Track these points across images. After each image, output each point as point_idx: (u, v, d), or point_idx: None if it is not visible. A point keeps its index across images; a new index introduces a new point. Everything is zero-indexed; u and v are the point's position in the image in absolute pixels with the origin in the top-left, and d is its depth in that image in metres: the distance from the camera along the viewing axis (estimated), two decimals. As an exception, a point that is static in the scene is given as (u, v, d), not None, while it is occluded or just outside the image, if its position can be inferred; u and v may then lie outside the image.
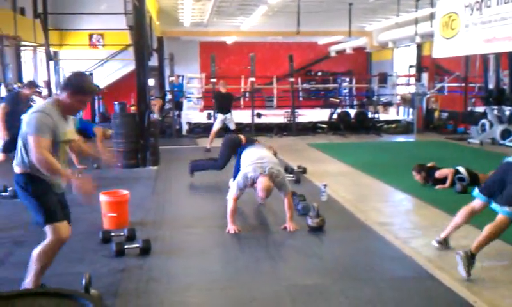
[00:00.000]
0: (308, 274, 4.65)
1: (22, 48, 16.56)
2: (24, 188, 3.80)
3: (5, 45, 15.04)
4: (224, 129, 12.65)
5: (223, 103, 12.48)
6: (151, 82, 11.68)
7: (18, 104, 8.75)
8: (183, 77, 18.98)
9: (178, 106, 16.67)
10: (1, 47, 15.06)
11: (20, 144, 3.80)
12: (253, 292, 4.24)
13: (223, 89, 12.67)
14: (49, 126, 3.67)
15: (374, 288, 4.28)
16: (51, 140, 3.69)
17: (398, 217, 6.83)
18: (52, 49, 16.18)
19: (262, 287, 4.36)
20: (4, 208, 6.98)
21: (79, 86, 3.81)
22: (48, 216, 3.75)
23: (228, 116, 12.32)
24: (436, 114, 17.34)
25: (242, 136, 7.96)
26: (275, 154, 7.58)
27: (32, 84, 9.46)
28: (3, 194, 7.41)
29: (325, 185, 7.28)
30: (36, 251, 3.81)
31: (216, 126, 12.48)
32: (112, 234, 5.48)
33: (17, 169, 3.84)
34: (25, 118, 3.74)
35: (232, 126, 12.33)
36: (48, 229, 3.76)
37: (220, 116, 12.42)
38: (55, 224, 3.75)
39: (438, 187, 8.04)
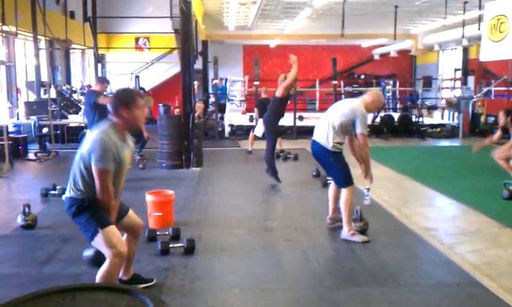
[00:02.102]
0: (352, 278, 4.64)
1: (71, 50, 17.07)
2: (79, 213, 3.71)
3: (55, 48, 15.54)
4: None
5: (264, 108, 12.50)
6: (195, 84, 11.80)
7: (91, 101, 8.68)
8: (226, 79, 19.14)
9: (221, 108, 16.81)
10: (52, 50, 15.57)
11: (79, 166, 3.68)
12: (296, 294, 4.26)
13: (264, 94, 12.73)
14: (113, 153, 3.61)
15: (419, 294, 4.24)
16: (114, 168, 3.64)
17: (443, 222, 6.72)
18: (99, 52, 16.57)
19: (306, 290, 4.38)
20: (53, 206, 7.20)
21: (128, 94, 3.81)
22: None
23: None
24: (482, 118, 16.94)
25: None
26: None
27: (104, 80, 9.55)
28: (52, 192, 7.64)
29: (368, 189, 7.19)
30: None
31: (257, 132, 12.50)
32: (158, 233, 5.59)
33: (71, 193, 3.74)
34: (90, 140, 3.65)
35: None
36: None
37: (261, 121, 12.43)
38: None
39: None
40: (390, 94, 21.64)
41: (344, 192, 5.64)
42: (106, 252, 3.66)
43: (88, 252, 4.48)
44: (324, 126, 5.71)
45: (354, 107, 5.58)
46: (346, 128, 5.62)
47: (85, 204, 3.66)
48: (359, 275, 4.69)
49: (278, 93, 8.48)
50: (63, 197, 3.83)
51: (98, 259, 3.96)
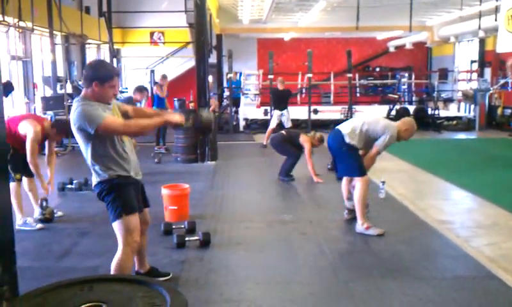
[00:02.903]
0: (367, 271, 4.64)
1: (86, 45, 17.17)
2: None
3: (71, 43, 15.65)
4: (280, 126, 12.69)
5: (279, 99, 12.49)
6: (210, 78, 11.83)
7: None
8: (240, 73, 19.13)
9: (236, 102, 16.83)
10: (67, 45, 15.68)
11: (84, 150, 3.70)
12: (311, 288, 4.27)
13: (280, 86, 12.71)
14: (97, 110, 3.54)
15: (435, 287, 4.23)
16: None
17: (459, 215, 6.68)
18: (115, 47, 16.65)
19: (321, 283, 4.39)
20: (69, 200, 7.29)
21: (106, 71, 3.69)
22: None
23: (284, 112, 12.31)
24: (499, 110, 16.76)
25: (283, 132, 8.86)
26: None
27: (143, 89, 9.80)
28: (69, 186, 7.73)
29: (383, 182, 7.21)
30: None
31: (273, 124, 12.52)
32: (174, 226, 5.64)
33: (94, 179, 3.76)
34: (72, 119, 3.59)
35: (288, 124, 12.32)
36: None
37: (277, 112, 12.45)
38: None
39: None
40: (405, 86, 21.50)
41: (358, 184, 5.62)
42: (121, 238, 3.72)
43: None
44: (353, 125, 5.72)
45: (388, 126, 5.61)
46: (369, 140, 5.62)
47: (113, 184, 3.68)
48: (374, 268, 4.69)
49: (306, 148, 8.43)
50: (92, 186, 3.84)
51: None
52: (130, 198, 3.74)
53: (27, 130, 5.71)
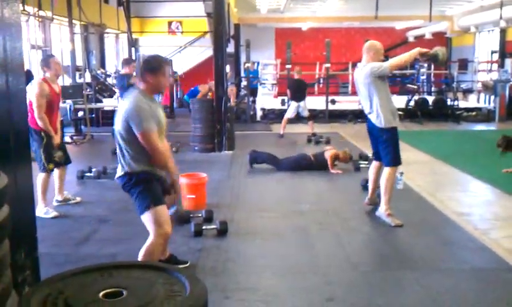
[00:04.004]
0: (385, 261, 4.63)
1: (105, 35, 17.27)
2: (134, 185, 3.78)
3: (90, 33, 15.76)
4: (298, 116, 12.67)
5: (296, 90, 12.40)
6: (227, 68, 11.80)
7: (123, 85, 8.83)
8: (258, 63, 19.10)
9: (253, 92, 16.81)
10: (86, 34, 15.79)
11: (118, 142, 3.76)
12: (328, 278, 4.27)
13: (297, 76, 12.66)
14: (150, 113, 3.67)
15: (453, 279, 4.21)
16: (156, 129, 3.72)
17: (478, 207, 6.62)
18: (133, 36, 16.72)
19: (338, 273, 4.39)
20: (89, 187, 7.37)
21: (156, 62, 3.84)
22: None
23: (301, 103, 12.24)
24: (520, 102, 16.53)
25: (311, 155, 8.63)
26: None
27: (130, 61, 9.59)
28: (88, 174, 7.81)
29: (401, 173, 7.14)
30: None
31: (289, 114, 12.48)
32: (191, 215, 5.68)
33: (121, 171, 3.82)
34: (122, 111, 3.70)
35: (305, 114, 12.29)
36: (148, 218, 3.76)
37: (294, 104, 12.37)
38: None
39: None
40: (424, 77, 21.29)
41: (387, 170, 5.58)
42: (153, 230, 3.75)
43: None
44: (367, 104, 5.65)
45: (366, 68, 5.54)
46: (376, 85, 5.52)
47: (140, 178, 3.73)
48: (391, 259, 4.69)
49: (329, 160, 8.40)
50: (115, 178, 3.89)
51: None
52: (157, 190, 3.80)
53: (34, 90, 5.74)
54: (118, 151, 3.81)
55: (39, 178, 5.85)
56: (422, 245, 5.06)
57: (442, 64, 5.14)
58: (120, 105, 3.84)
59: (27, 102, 5.85)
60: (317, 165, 8.43)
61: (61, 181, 6.35)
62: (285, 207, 6.38)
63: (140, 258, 3.78)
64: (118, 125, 3.72)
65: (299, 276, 4.33)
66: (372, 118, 5.61)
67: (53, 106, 5.95)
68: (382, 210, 5.62)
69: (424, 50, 5.60)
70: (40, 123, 5.76)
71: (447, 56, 4.73)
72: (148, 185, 3.75)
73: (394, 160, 5.59)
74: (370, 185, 6.07)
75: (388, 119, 5.50)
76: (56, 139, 5.97)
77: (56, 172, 6.24)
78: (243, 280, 4.24)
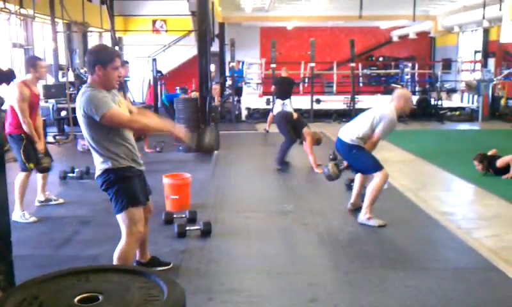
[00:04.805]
0: (368, 261, 4.62)
1: (88, 33, 17.10)
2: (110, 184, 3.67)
3: (73, 31, 15.59)
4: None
5: (283, 88, 12.36)
6: (212, 67, 11.73)
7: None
8: (243, 62, 19.04)
9: (238, 92, 16.76)
10: (69, 33, 15.62)
11: (88, 138, 3.65)
12: (312, 278, 4.26)
13: (284, 74, 12.64)
14: (104, 97, 3.52)
15: (436, 278, 4.21)
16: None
17: (461, 206, 6.66)
18: (117, 35, 16.59)
19: (321, 273, 4.38)
20: (71, 188, 7.29)
21: (104, 55, 3.64)
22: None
23: (286, 101, 12.21)
24: (503, 101, 16.66)
25: (295, 113, 9.05)
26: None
27: (125, 63, 9.47)
28: (70, 175, 7.72)
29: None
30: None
31: (275, 111, 12.46)
32: (175, 216, 5.63)
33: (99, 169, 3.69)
34: (78, 103, 3.56)
35: None
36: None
37: (279, 101, 12.34)
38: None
39: (504, 176, 7.78)
40: (408, 76, 21.40)
41: (377, 177, 5.57)
42: (125, 229, 3.69)
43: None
44: (353, 126, 5.71)
45: (384, 111, 5.57)
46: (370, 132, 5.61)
47: (118, 177, 3.63)
48: (375, 258, 4.68)
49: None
50: (95, 178, 3.79)
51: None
52: (135, 190, 3.71)
53: (14, 94, 5.64)
54: (91, 151, 3.71)
55: (18, 178, 5.76)
56: (406, 244, 5.07)
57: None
58: (76, 105, 3.67)
59: (8, 106, 5.80)
60: (293, 123, 8.76)
61: (44, 181, 6.27)
62: (269, 207, 6.36)
63: (115, 261, 3.72)
64: (81, 123, 3.62)
65: (283, 277, 4.31)
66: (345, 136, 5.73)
67: (33, 109, 5.85)
68: (362, 215, 5.61)
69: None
70: (25, 127, 5.66)
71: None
72: (126, 184, 3.65)
73: (376, 165, 5.61)
74: (355, 190, 6.07)
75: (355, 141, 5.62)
76: (40, 145, 5.87)
77: (39, 173, 6.16)
78: (227, 281, 4.21)
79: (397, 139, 11.36)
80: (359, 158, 5.70)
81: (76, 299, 1.93)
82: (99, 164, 3.67)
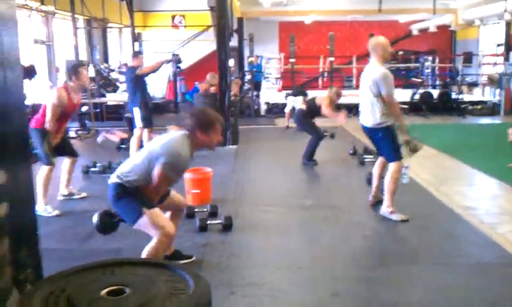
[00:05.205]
0: (389, 256, 4.60)
1: (108, 29, 17.23)
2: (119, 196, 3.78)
3: (93, 27, 15.72)
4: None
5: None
6: (231, 62, 11.71)
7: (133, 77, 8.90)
8: (262, 57, 19.03)
9: (257, 86, 16.75)
10: (89, 29, 15.75)
11: (143, 157, 3.77)
12: (332, 273, 4.25)
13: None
14: (182, 168, 3.78)
15: (458, 274, 4.18)
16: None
17: (484, 201, 6.58)
18: (136, 30, 16.67)
19: (342, 268, 4.37)
20: (93, 182, 7.36)
21: (211, 122, 3.81)
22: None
23: (297, 99, 12.10)
24: (525, 95, 16.42)
25: (302, 107, 8.95)
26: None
27: (138, 53, 9.60)
28: (93, 169, 7.80)
29: (406, 167, 7.06)
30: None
31: (287, 108, 12.52)
32: (196, 210, 5.65)
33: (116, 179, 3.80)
34: (169, 144, 3.70)
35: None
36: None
37: (291, 98, 12.36)
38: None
39: None
40: (429, 70, 21.19)
41: (391, 167, 5.53)
42: (154, 232, 3.70)
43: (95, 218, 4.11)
44: (365, 105, 5.60)
45: (376, 75, 5.42)
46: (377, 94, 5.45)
47: (128, 191, 3.70)
48: (396, 254, 4.65)
49: (319, 102, 8.44)
50: (108, 181, 3.87)
51: (102, 225, 3.91)
52: (145, 198, 3.74)
53: (51, 96, 5.72)
54: (132, 161, 3.81)
55: (41, 172, 5.83)
56: (427, 239, 5.03)
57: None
58: (172, 137, 3.76)
59: (42, 104, 5.88)
60: (308, 113, 8.63)
61: (69, 175, 6.36)
62: (289, 202, 6.35)
63: (144, 256, 3.74)
64: (158, 147, 3.72)
65: (303, 271, 4.31)
66: (364, 117, 5.58)
67: (67, 116, 5.96)
68: (385, 209, 5.57)
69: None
70: (47, 126, 5.74)
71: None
72: (134, 195, 3.71)
73: (394, 156, 5.55)
74: (375, 181, 6.03)
75: (379, 118, 5.45)
76: (55, 138, 5.94)
77: (66, 166, 6.25)
78: (248, 275, 4.22)
79: (419, 133, 11.26)
80: (382, 143, 5.60)
81: (103, 292, 1.95)
82: (123, 175, 3.75)
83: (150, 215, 3.66)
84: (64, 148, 6.19)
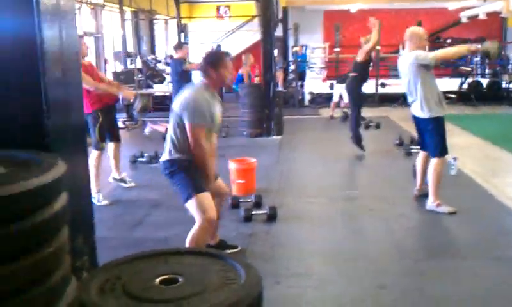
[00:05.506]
0: (436, 249, 4.55)
1: (155, 21, 17.48)
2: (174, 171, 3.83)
3: (140, 19, 15.97)
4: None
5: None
6: (275, 52, 11.71)
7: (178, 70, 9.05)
8: (306, 46, 18.92)
9: (301, 76, 16.69)
10: (136, 21, 16.02)
11: (173, 126, 3.83)
12: (378, 265, 4.23)
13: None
14: (206, 109, 3.76)
15: (508, 268, 4.10)
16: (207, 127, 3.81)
17: (535, 194, 6.40)
18: (182, 21, 16.84)
19: (388, 260, 4.34)
20: (141, 172, 7.52)
21: (219, 57, 3.95)
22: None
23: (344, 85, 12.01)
24: None
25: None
26: None
27: (182, 44, 9.74)
28: (140, 159, 7.98)
29: (455, 159, 6.99)
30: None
31: (335, 97, 12.41)
32: (241, 200, 5.72)
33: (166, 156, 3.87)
34: (182, 99, 3.81)
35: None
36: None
37: (338, 86, 12.24)
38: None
39: None
40: (478, 59, 20.62)
41: (435, 160, 5.45)
42: (197, 216, 3.78)
43: None
44: (410, 93, 5.52)
45: (410, 57, 5.36)
46: (421, 74, 5.36)
47: (182, 166, 3.78)
48: (444, 247, 4.59)
49: (360, 57, 8.26)
50: (160, 160, 3.98)
51: None
52: (198, 178, 3.81)
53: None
54: (169, 132, 3.87)
55: (92, 156, 5.99)
56: (476, 233, 4.93)
57: (494, 59, 5.02)
58: (183, 93, 3.89)
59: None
60: (360, 73, 8.46)
61: (116, 160, 6.54)
62: (333, 192, 6.34)
63: (187, 243, 3.81)
64: (177, 108, 3.81)
65: (349, 262, 4.31)
66: (416, 107, 5.48)
67: (93, 76, 6.10)
68: (430, 202, 5.48)
69: (474, 47, 5.43)
70: (99, 90, 5.91)
71: (499, 51, 4.69)
72: (190, 173, 3.78)
73: (441, 151, 5.45)
74: (419, 175, 5.94)
75: (432, 109, 5.34)
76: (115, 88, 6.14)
77: (110, 151, 6.41)
78: (293, 265, 4.25)
79: (467, 123, 11.04)
80: (431, 135, 5.47)
81: (157, 280, 2.02)
82: (170, 149, 3.83)
83: (197, 199, 3.73)
84: (112, 131, 6.32)
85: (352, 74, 8.66)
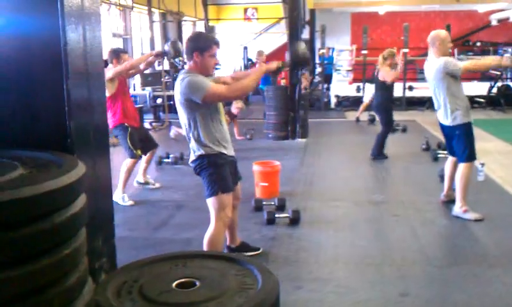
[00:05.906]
0: (462, 257, 4.46)
1: (183, 22, 17.59)
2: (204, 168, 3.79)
3: (168, 20, 16.10)
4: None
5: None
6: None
7: None
8: (333, 49, 18.82)
9: (328, 79, 16.61)
10: (165, 22, 16.14)
11: (188, 122, 3.75)
12: (403, 271, 4.17)
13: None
14: (203, 79, 3.64)
15: (536, 277, 3.99)
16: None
17: None
18: (210, 23, 16.91)
19: (412, 267, 4.27)
20: (166, 173, 7.57)
21: (202, 42, 3.76)
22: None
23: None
24: None
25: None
26: None
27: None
28: (166, 160, 8.03)
29: (482, 164, 6.83)
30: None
31: (366, 99, 12.30)
32: (264, 203, 5.70)
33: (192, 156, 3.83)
34: (178, 90, 3.70)
35: None
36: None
37: (369, 86, 12.17)
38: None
39: None
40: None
41: (463, 165, 5.36)
42: (214, 213, 3.80)
43: None
44: (439, 102, 5.43)
45: (439, 63, 5.27)
46: (448, 81, 5.27)
47: (211, 161, 3.75)
48: (470, 254, 4.50)
49: (389, 78, 8.07)
50: (189, 163, 3.96)
51: None
52: (226, 176, 3.81)
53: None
54: (186, 135, 3.83)
55: (125, 163, 6.07)
56: (504, 240, 4.82)
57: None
58: (175, 89, 3.80)
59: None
60: (391, 93, 8.39)
61: (147, 164, 6.62)
62: (358, 197, 6.28)
63: (204, 245, 3.84)
64: (180, 111, 3.77)
65: (372, 268, 4.25)
66: (440, 114, 5.40)
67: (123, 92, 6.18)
68: (457, 208, 5.38)
69: (505, 61, 5.31)
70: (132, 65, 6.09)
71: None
72: (218, 169, 3.76)
73: (469, 156, 5.35)
74: (446, 181, 5.84)
75: (457, 117, 5.26)
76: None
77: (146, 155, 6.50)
78: (315, 270, 4.22)
79: (496, 128, 10.83)
80: (459, 142, 5.37)
81: (174, 284, 2.02)
82: (194, 150, 3.80)
83: (221, 198, 3.75)
84: (147, 143, 6.41)
85: (379, 92, 8.45)
